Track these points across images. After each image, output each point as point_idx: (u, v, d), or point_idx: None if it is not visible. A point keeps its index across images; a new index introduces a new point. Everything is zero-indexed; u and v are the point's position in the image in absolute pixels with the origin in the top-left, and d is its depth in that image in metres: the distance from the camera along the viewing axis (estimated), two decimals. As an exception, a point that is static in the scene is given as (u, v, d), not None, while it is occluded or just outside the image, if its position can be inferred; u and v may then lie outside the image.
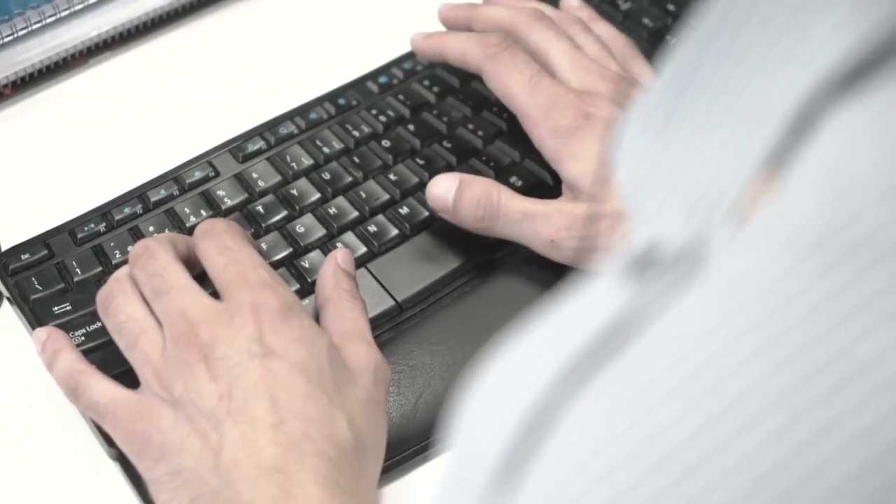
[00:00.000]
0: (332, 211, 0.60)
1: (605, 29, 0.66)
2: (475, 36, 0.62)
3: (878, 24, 0.22)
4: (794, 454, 0.21)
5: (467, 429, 0.28)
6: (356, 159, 0.63)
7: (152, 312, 0.49)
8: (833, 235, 0.22)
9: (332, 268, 0.53)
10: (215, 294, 0.49)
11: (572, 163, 0.56)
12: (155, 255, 0.50)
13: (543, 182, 0.60)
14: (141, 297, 0.50)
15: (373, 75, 0.68)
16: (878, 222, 0.21)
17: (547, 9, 0.65)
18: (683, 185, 0.27)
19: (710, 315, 0.23)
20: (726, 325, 0.23)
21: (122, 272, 0.51)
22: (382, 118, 0.65)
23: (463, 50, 0.62)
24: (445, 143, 0.63)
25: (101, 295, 0.51)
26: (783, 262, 0.22)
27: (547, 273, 0.56)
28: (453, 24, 0.66)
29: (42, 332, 0.53)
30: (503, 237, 0.57)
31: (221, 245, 0.50)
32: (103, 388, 0.49)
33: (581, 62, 0.60)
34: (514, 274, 0.58)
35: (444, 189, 0.57)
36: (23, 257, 0.59)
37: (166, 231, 0.59)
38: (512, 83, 0.59)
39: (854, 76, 0.23)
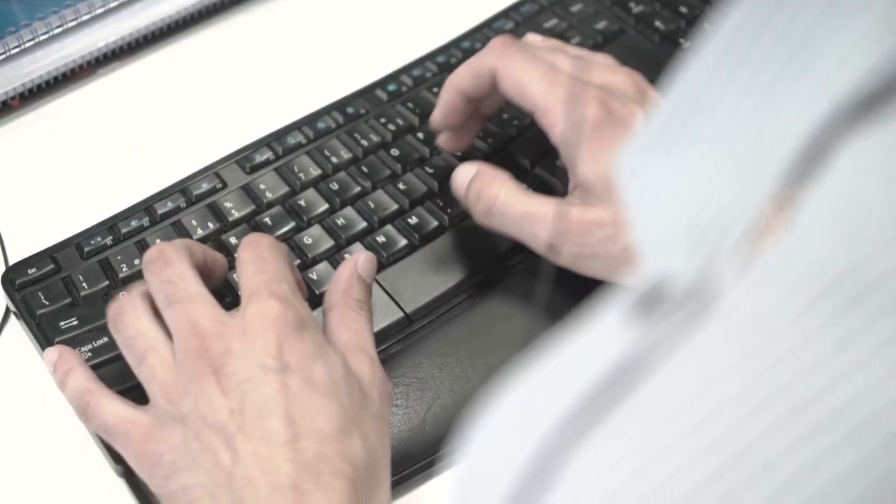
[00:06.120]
0: (340, 221, 0.59)
1: (579, 50, 0.61)
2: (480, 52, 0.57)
3: None
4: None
5: (472, 470, 0.28)
6: (364, 169, 0.62)
7: (162, 326, 0.48)
8: (842, 279, 0.21)
9: (348, 273, 0.52)
10: (229, 305, 0.48)
11: (591, 163, 0.53)
12: (171, 262, 0.49)
13: (554, 189, 0.60)
14: (151, 311, 0.49)
15: (381, 83, 0.68)
16: (886, 268, 0.21)
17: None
18: (692, 211, 0.26)
19: (722, 358, 0.23)
20: (738, 370, 0.22)
21: (135, 288, 0.51)
22: (391, 126, 0.64)
23: (472, 64, 0.57)
24: (455, 152, 0.62)
25: (113, 310, 0.50)
26: (793, 306, 0.22)
27: (557, 285, 0.55)
28: (453, 106, 0.59)
29: (53, 351, 0.53)
30: (507, 234, 0.55)
31: (257, 255, 0.49)
32: (113, 408, 0.48)
33: (588, 64, 0.57)
34: (524, 285, 0.57)
35: (462, 177, 0.57)
36: (29, 272, 0.58)
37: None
38: (527, 78, 0.55)
39: (871, 102, 0.22)
